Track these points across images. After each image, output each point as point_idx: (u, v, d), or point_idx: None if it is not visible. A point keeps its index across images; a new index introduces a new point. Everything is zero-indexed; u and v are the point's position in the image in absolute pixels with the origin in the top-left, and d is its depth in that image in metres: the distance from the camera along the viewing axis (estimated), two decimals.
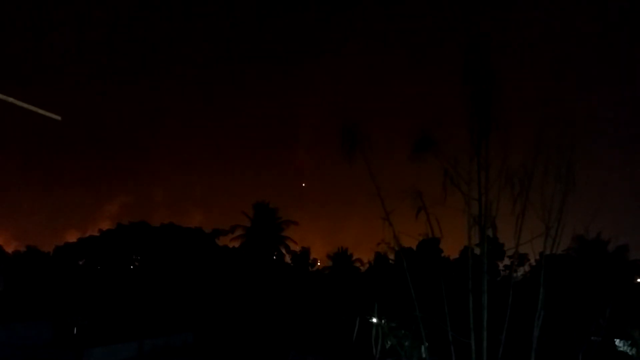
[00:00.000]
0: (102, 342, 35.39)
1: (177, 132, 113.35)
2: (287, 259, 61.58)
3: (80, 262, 64.34)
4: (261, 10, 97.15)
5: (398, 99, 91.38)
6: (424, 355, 9.05)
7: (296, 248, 61.38)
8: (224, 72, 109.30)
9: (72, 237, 69.28)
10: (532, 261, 43.89)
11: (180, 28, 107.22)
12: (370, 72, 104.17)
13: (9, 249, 69.53)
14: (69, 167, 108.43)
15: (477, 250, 9.01)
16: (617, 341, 29.66)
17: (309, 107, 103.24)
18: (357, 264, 59.82)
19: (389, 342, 8.82)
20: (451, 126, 9.24)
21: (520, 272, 45.97)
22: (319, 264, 64.69)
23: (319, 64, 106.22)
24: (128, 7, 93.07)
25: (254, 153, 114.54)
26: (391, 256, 48.37)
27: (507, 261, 46.58)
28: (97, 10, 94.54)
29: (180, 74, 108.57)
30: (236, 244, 59.42)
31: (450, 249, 49.03)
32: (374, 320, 8.87)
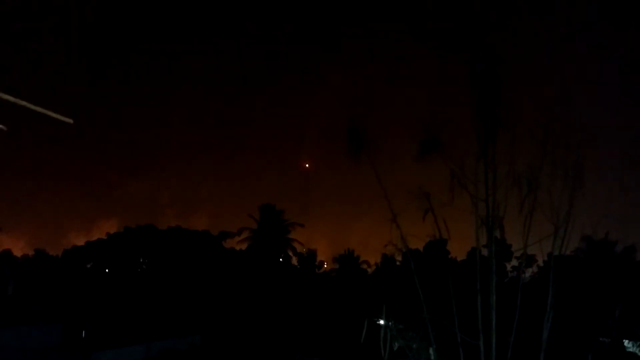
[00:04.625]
0: (110, 345, 35.41)
1: (183, 136, 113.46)
2: (294, 261, 61.60)
3: (88, 266, 64.62)
4: (266, 13, 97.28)
5: (404, 101, 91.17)
6: (432, 357, 9.04)
7: (303, 250, 61.43)
8: (230, 74, 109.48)
9: (80, 241, 69.70)
10: (540, 262, 43.78)
11: (185, 30, 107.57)
12: (376, 73, 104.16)
13: (18, 253, 70.01)
14: (76, 171, 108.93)
15: (485, 252, 8.98)
16: (625, 342, 29.50)
17: (315, 108, 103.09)
18: (364, 266, 59.77)
19: (397, 344, 8.81)
20: (458, 127, 9.23)
21: (528, 273, 45.82)
22: (325, 266, 64.68)
23: (325, 66, 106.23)
24: (133, 11, 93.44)
25: (260, 155, 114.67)
26: (398, 258, 48.36)
27: (514, 262, 46.46)
28: (103, 13, 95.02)
29: (187, 77, 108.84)
30: (243, 247, 59.47)
31: (458, 251, 48.90)
32: (382, 322, 8.86)
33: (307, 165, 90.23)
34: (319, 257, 63.89)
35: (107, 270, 63.47)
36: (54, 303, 47.28)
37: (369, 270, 59.47)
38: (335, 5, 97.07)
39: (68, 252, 66.44)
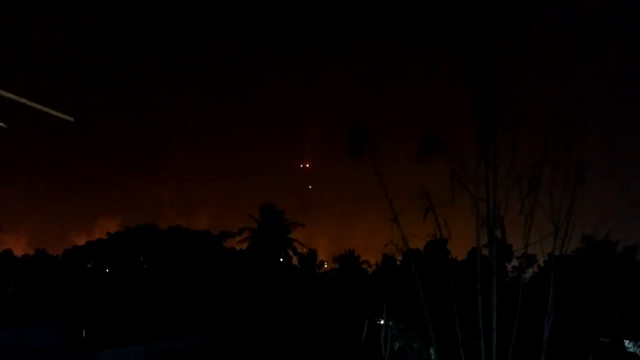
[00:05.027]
0: (110, 345, 35.44)
1: (184, 135, 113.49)
2: (294, 261, 61.60)
3: (89, 265, 64.61)
4: (267, 12, 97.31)
5: (405, 100, 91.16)
6: (432, 357, 9.03)
7: (303, 250, 61.41)
8: (232, 74, 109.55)
9: (80, 241, 69.67)
10: (541, 262, 43.78)
11: (186, 30, 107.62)
12: (377, 73, 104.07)
13: (18, 253, 69.99)
14: (77, 170, 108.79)
15: (485, 252, 8.97)
16: (626, 342, 29.50)
17: (316, 108, 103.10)
18: (365, 266, 59.76)
19: (397, 344, 8.80)
20: (458, 127, 9.22)
21: (529, 273, 45.83)
22: (325, 265, 64.67)
23: (326, 66, 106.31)
24: (135, 11, 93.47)
25: (260, 155, 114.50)
26: (399, 257, 48.31)
27: (515, 262, 46.45)
28: (106, 11, 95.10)
29: (188, 76, 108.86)
30: (243, 246, 59.51)
31: (458, 251, 48.89)
32: (382, 321, 8.85)
33: (307, 165, 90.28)
34: (320, 257, 63.96)
35: (107, 270, 63.44)
36: (54, 303, 47.31)
37: (370, 270, 59.50)
38: (336, 5, 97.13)
39: (68, 251, 66.45)
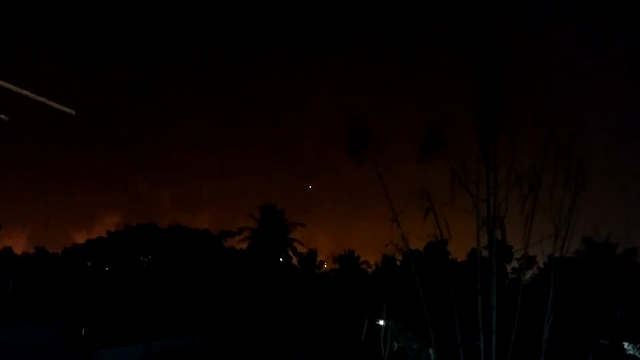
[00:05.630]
0: (110, 344, 35.45)
1: (184, 135, 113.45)
2: (294, 261, 61.59)
3: (89, 264, 64.65)
4: (266, 12, 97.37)
5: (406, 100, 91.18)
6: (432, 358, 9.01)
7: (303, 250, 61.40)
8: (232, 74, 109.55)
9: (80, 239, 69.73)
10: (540, 263, 43.75)
11: (187, 29, 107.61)
12: (378, 73, 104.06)
13: (18, 251, 70.06)
14: (77, 168, 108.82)
15: (485, 253, 8.95)
16: (625, 344, 29.48)
17: (317, 108, 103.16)
18: (364, 266, 59.75)
19: (397, 344, 8.79)
20: (459, 127, 9.21)
21: (529, 274, 45.78)
22: (325, 266, 64.66)
23: (327, 66, 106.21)
24: (137, 10, 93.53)
25: (260, 155, 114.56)
26: (399, 258, 48.26)
27: (515, 263, 46.43)
28: (110, 8, 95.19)
29: (189, 76, 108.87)
30: (243, 246, 59.52)
31: (458, 251, 48.80)
32: (382, 322, 8.84)
33: (307, 166, 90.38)
34: (320, 257, 63.97)
35: (107, 269, 63.49)
36: (54, 301, 47.33)
37: (369, 270, 59.48)
38: (337, 5, 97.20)
39: (68, 250, 66.51)
